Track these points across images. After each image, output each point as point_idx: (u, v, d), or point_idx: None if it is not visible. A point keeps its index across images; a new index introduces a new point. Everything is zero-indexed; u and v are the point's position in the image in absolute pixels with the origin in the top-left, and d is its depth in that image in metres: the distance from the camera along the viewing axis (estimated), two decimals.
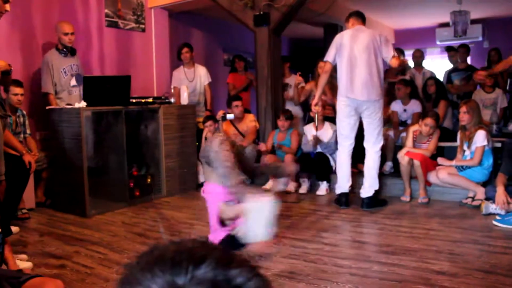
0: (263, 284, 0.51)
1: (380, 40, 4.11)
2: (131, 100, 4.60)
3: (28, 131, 4.43)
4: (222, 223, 2.89)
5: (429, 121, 4.52)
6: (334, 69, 4.28)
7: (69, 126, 4.19)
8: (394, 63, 4.13)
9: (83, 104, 4.14)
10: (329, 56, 4.22)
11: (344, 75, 4.12)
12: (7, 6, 3.19)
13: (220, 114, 5.32)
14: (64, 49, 4.76)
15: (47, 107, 4.46)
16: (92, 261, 2.96)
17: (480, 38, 8.63)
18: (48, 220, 4.07)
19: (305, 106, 5.83)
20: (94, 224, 3.89)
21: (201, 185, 4.51)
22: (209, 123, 5.30)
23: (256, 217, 2.64)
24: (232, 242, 2.78)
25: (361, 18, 4.30)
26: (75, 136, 4.14)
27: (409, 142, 4.63)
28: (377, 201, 4.26)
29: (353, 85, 4.08)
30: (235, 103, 5.46)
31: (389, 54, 4.11)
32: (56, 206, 4.39)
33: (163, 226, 3.84)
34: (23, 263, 2.77)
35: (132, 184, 4.67)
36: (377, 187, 4.25)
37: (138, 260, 0.51)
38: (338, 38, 4.21)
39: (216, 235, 2.86)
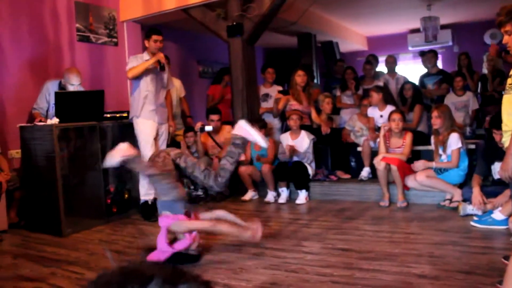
0: None
1: None
2: (105, 115, 4.53)
3: None
4: (171, 243, 3.09)
5: (395, 115, 4.64)
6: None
7: (42, 144, 4.09)
8: None
9: (55, 120, 4.05)
10: None
11: None
12: None
13: (198, 125, 5.31)
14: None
15: (18, 125, 4.35)
16: (69, 282, 2.87)
17: (450, 43, 8.82)
18: (22, 242, 3.95)
19: (282, 116, 5.81)
20: (71, 243, 3.79)
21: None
22: (190, 134, 5.31)
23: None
24: (181, 260, 2.99)
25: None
26: (48, 154, 4.04)
27: (382, 148, 4.67)
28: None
29: None
30: (211, 116, 5.47)
31: None
32: (30, 227, 4.26)
33: (141, 243, 3.76)
34: None
35: (109, 201, 4.58)
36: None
37: None
38: None
39: (161, 255, 3.00)
